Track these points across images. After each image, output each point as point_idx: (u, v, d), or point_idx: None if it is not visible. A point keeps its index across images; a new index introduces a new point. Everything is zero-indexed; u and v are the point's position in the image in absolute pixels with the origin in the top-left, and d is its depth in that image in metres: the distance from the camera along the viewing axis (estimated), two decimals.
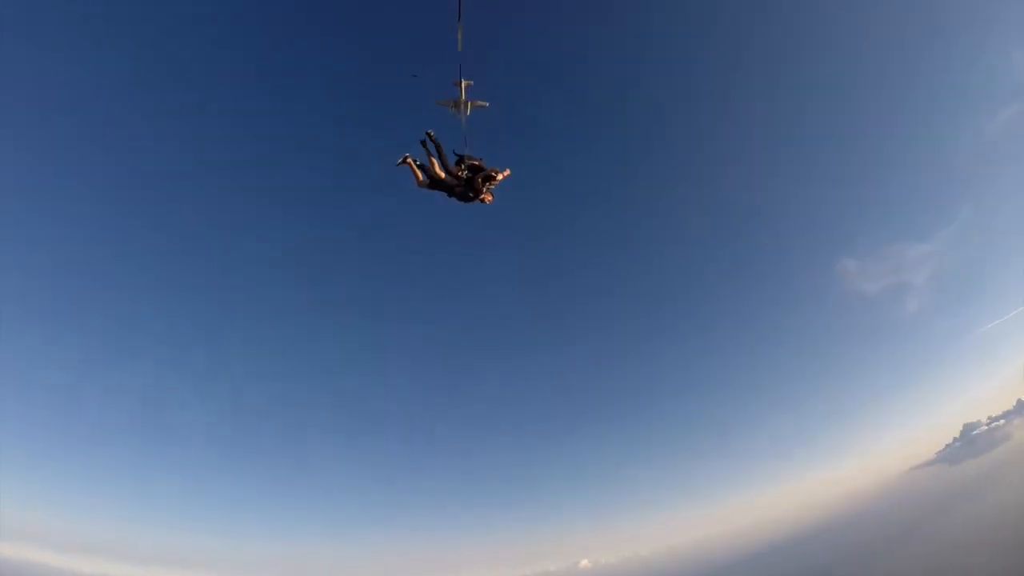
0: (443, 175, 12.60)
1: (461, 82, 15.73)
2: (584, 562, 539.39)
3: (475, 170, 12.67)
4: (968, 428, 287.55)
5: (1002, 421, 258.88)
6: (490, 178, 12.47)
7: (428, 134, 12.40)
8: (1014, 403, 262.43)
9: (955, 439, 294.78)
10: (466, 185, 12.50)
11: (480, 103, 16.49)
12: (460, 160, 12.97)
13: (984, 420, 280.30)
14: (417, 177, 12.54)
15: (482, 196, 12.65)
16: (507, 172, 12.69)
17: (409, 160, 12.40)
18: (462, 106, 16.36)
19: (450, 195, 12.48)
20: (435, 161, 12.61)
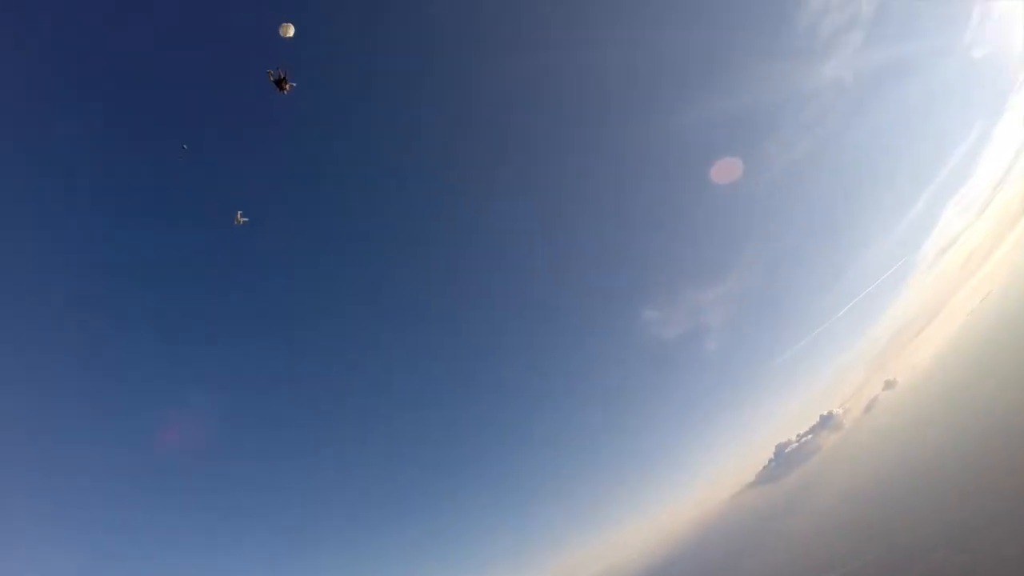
0: (278, 80, 23.12)
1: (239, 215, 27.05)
2: None
3: (286, 79, 23.30)
4: (780, 447, 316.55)
5: (810, 436, 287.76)
6: (283, 81, 22.89)
7: (268, 72, 22.90)
8: (818, 418, 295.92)
9: (770, 460, 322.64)
10: (284, 81, 23.02)
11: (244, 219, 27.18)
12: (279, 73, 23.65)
13: (794, 438, 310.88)
14: (270, 79, 22.67)
15: (284, 90, 23.08)
16: (292, 85, 23.20)
17: (269, 73, 22.59)
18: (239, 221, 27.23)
19: (278, 87, 22.76)
20: (275, 74, 23.19)
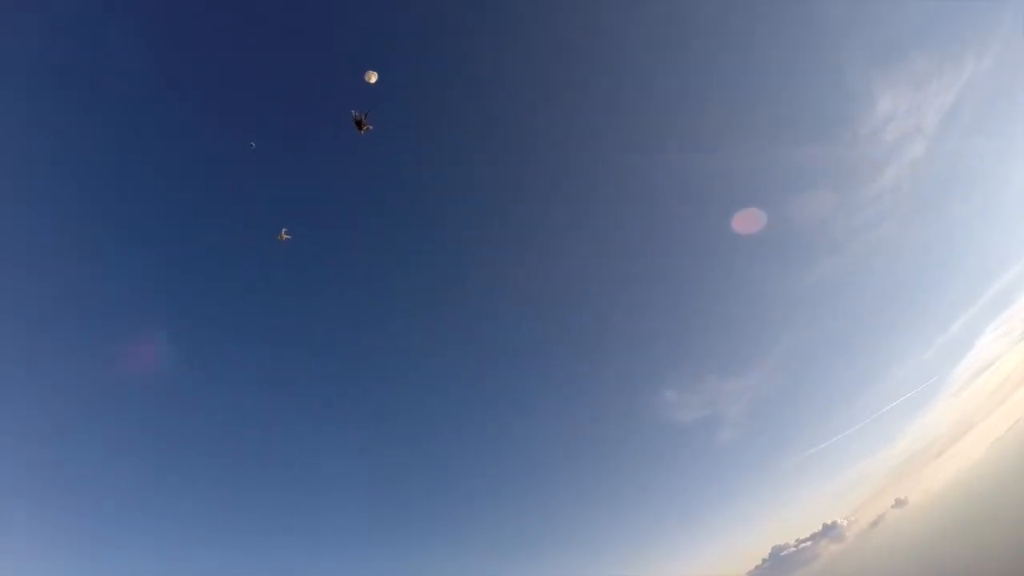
0: (358, 121, 25.28)
1: (283, 232, 29.49)
2: None
3: (364, 121, 25.42)
4: (777, 549, 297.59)
5: (810, 543, 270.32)
6: (362, 122, 24.92)
7: (352, 113, 25.02)
8: (820, 526, 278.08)
9: (764, 560, 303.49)
10: (363, 123, 25.14)
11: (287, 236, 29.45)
12: (359, 115, 25.89)
13: (792, 542, 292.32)
14: (352, 119, 24.70)
15: (363, 131, 25.23)
16: (370, 127, 25.34)
17: (354, 116, 24.69)
18: (282, 238, 29.55)
19: (358, 128, 24.85)
20: (356, 116, 25.36)
